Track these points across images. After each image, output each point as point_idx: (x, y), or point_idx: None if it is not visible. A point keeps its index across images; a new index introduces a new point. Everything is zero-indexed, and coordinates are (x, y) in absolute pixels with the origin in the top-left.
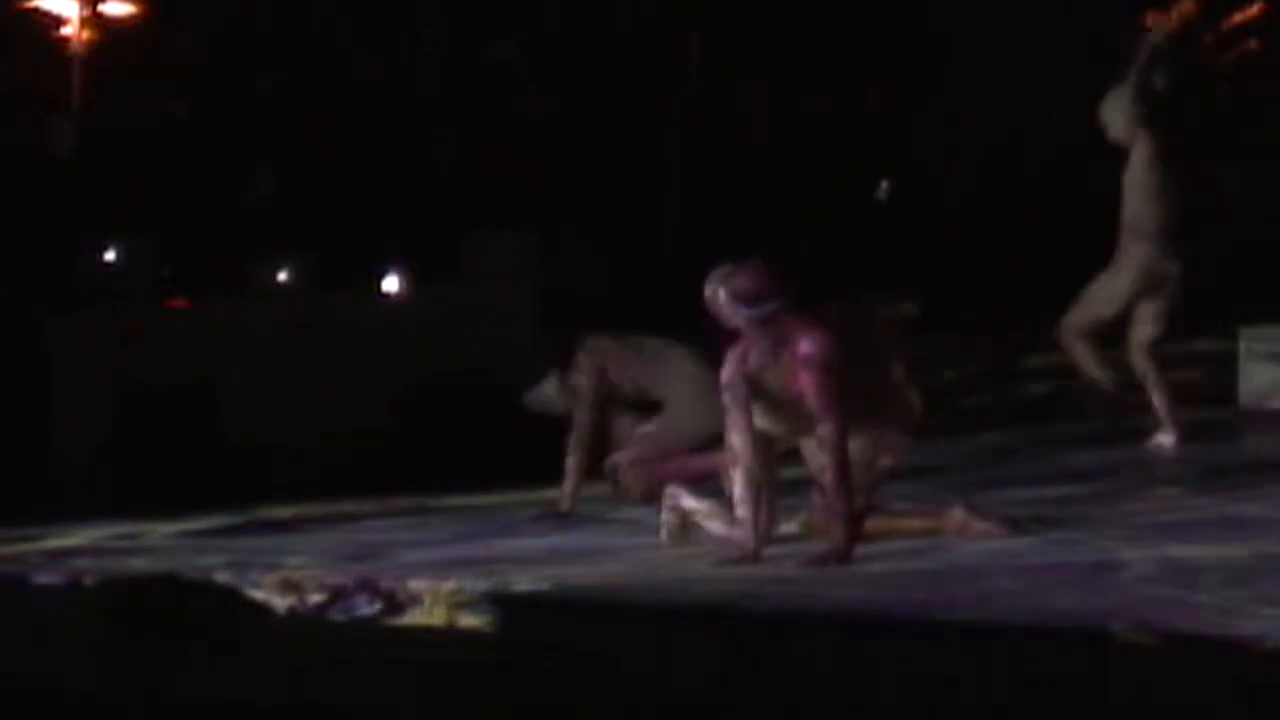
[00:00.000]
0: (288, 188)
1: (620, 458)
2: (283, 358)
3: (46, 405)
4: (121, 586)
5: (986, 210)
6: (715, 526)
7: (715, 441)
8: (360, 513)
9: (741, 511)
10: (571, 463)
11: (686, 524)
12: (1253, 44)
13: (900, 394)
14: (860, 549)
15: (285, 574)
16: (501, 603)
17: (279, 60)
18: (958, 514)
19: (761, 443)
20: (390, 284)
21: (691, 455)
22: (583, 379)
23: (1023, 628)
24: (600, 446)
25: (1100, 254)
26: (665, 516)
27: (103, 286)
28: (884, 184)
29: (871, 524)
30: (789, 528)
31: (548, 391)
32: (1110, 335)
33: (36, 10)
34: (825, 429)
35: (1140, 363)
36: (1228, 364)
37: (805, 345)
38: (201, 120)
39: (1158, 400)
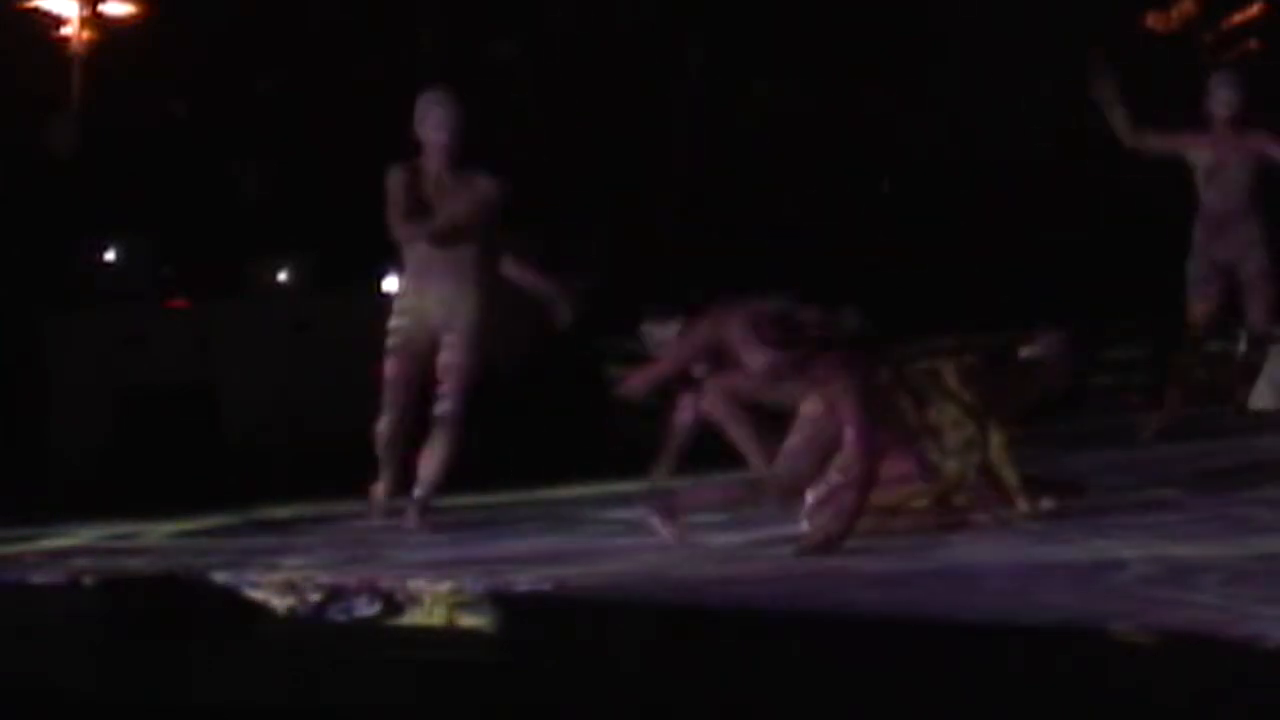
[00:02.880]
0: (288, 187)
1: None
2: (283, 358)
3: (46, 405)
4: (121, 586)
5: (985, 209)
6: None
7: None
8: (360, 513)
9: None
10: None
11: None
12: (1253, 44)
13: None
14: (860, 547)
15: (284, 574)
16: (501, 603)
17: (279, 60)
18: (950, 471)
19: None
20: (390, 284)
21: None
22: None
23: (1023, 628)
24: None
25: (1098, 252)
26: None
27: (103, 286)
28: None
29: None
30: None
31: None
32: None
33: (36, 10)
34: (852, 448)
35: None
36: (1228, 364)
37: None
38: (201, 120)
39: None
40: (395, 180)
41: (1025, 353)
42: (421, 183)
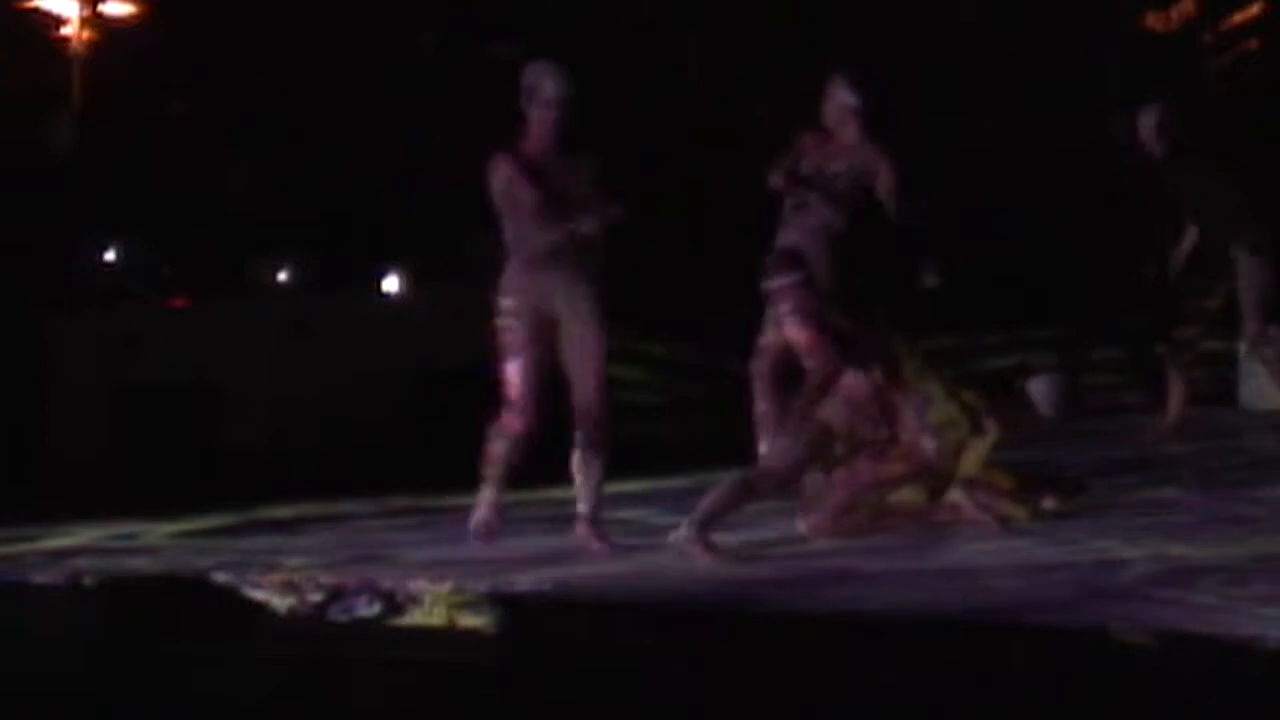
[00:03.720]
0: (289, 188)
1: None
2: (283, 358)
3: (46, 405)
4: (121, 586)
5: (986, 209)
6: None
7: None
8: (360, 513)
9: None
10: None
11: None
12: (1253, 44)
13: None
14: (860, 547)
15: (284, 574)
16: (501, 603)
17: (279, 60)
18: (953, 495)
19: None
20: (390, 284)
21: None
22: None
23: (1023, 628)
24: None
25: (1099, 251)
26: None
27: (103, 286)
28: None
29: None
30: (793, 528)
31: None
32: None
33: (36, 10)
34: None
35: None
36: (1228, 364)
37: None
38: (201, 120)
39: None
40: (503, 176)
41: (1020, 385)
42: (529, 166)
